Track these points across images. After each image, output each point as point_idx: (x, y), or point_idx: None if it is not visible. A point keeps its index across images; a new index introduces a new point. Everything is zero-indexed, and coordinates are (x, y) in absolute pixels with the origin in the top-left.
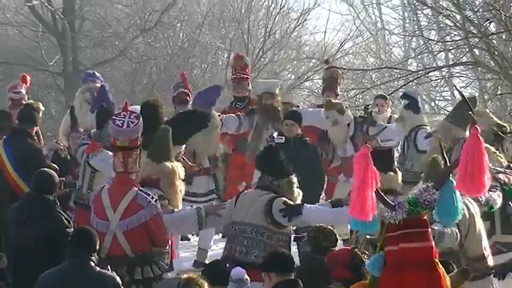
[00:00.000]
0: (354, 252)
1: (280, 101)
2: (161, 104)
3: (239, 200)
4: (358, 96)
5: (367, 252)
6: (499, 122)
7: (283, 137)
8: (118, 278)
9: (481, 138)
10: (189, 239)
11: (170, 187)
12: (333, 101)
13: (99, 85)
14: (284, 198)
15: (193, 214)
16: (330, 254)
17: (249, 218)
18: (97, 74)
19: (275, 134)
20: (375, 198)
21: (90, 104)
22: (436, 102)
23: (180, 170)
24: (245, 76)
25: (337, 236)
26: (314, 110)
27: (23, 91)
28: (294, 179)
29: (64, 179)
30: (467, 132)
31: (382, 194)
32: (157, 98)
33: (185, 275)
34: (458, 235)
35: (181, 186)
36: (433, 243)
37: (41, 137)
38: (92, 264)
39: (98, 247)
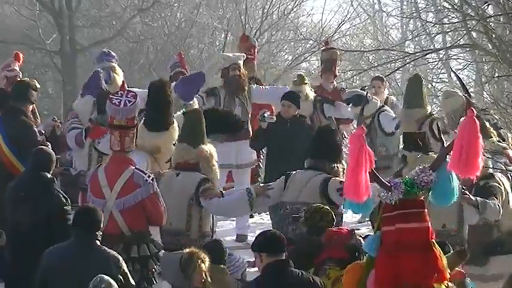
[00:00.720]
0: (353, 233)
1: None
2: (169, 83)
3: (290, 180)
4: (355, 77)
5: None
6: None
7: (274, 117)
8: (121, 258)
9: (476, 120)
10: None
11: (210, 170)
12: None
13: (114, 64)
14: (339, 178)
15: (244, 196)
16: (329, 231)
17: (303, 197)
18: (112, 53)
19: (266, 114)
20: (370, 179)
21: (106, 82)
22: (433, 84)
23: (214, 152)
24: (250, 57)
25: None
26: (271, 87)
27: (17, 68)
28: (345, 164)
29: (60, 156)
30: (428, 108)
31: (378, 175)
32: (164, 78)
33: (187, 250)
34: (501, 209)
35: (217, 169)
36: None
37: (38, 115)
38: (97, 243)
39: (101, 225)
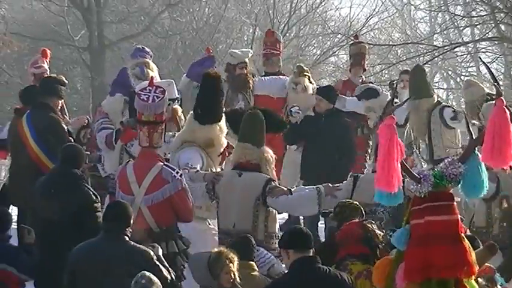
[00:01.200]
0: (364, 225)
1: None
2: (221, 76)
3: (360, 181)
4: (383, 71)
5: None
6: (489, 91)
7: (300, 111)
8: (151, 252)
9: (506, 110)
10: None
11: (270, 172)
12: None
13: (148, 60)
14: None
15: (314, 194)
16: (341, 231)
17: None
18: (147, 49)
19: (294, 108)
20: (401, 170)
21: (139, 79)
22: (462, 77)
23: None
24: (275, 52)
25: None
26: (272, 78)
27: (45, 65)
28: None
29: (89, 153)
30: (435, 96)
31: (408, 166)
32: (215, 71)
33: (215, 249)
34: None
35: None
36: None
37: (66, 111)
38: (126, 238)
39: (132, 221)
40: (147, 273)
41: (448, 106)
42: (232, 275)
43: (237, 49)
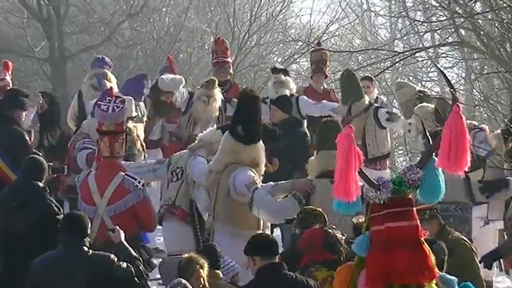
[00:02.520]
0: (325, 231)
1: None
2: (258, 95)
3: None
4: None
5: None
6: (420, 89)
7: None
8: (113, 256)
9: (462, 116)
10: None
11: None
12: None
13: (107, 71)
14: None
15: None
16: (303, 239)
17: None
18: (106, 59)
19: None
20: (359, 178)
21: (96, 89)
22: (423, 83)
23: None
24: (227, 59)
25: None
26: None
27: (7, 78)
28: None
29: (52, 163)
30: (367, 98)
31: (366, 174)
32: (250, 89)
33: (185, 255)
34: None
35: None
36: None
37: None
38: (85, 249)
39: (89, 231)
40: (183, 281)
41: (382, 107)
42: (202, 281)
43: (199, 57)
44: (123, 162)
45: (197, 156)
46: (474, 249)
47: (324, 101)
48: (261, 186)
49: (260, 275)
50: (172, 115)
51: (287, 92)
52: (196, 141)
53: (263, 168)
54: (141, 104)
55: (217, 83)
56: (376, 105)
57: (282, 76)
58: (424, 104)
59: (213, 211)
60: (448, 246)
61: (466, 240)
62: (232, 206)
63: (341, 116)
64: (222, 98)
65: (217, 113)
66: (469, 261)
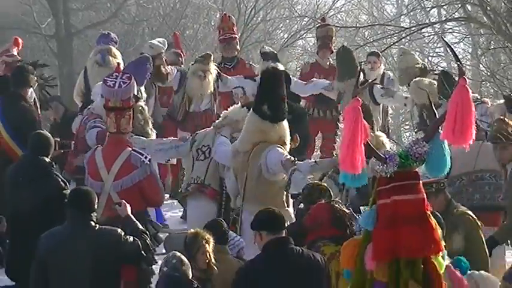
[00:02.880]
0: (332, 207)
1: None
2: (282, 72)
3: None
4: None
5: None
6: (424, 63)
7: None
8: (120, 230)
9: (468, 89)
10: None
11: None
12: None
13: (112, 47)
14: None
15: None
16: (309, 216)
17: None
18: (112, 35)
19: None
20: (365, 151)
21: (100, 65)
22: (430, 58)
23: None
24: (234, 35)
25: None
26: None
27: (16, 54)
28: None
29: (59, 139)
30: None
31: (373, 147)
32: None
33: (192, 230)
34: None
35: None
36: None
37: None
38: (92, 224)
39: (96, 206)
40: (178, 254)
41: (376, 83)
42: (208, 256)
43: (205, 34)
44: (144, 138)
45: (220, 135)
46: (479, 224)
47: (314, 79)
48: (298, 164)
49: (267, 250)
50: (166, 98)
51: None
52: (220, 119)
53: (289, 146)
54: (142, 88)
55: (212, 57)
56: (370, 81)
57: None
58: (421, 78)
59: (243, 191)
60: (453, 220)
61: (471, 214)
62: (263, 185)
63: (336, 91)
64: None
65: (212, 89)
66: (474, 235)
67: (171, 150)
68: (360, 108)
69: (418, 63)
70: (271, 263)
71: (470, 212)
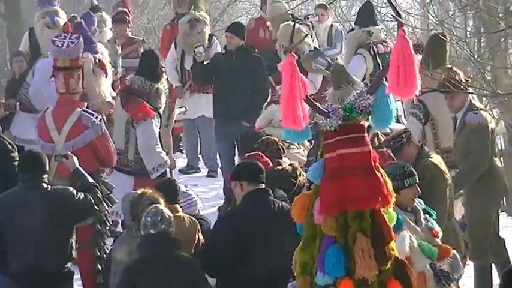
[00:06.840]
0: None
1: None
2: None
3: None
4: (299, 6)
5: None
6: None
7: (204, 52)
8: (71, 188)
9: (408, 39)
10: None
11: None
12: None
13: (57, 8)
14: None
15: None
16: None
17: None
18: None
19: (198, 49)
20: (306, 105)
21: (51, 28)
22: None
23: None
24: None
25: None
26: None
27: None
28: None
29: (4, 101)
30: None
31: (314, 101)
32: None
33: (139, 191)
34: None
35: None
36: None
37: None
38: (44, 185)
39: (47, 168)
40: (159, 206)
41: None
42: None
43: None
44: None
45: None
46: (446, 176)
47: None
48: None
49: (247, 200)
50: (130, 51)
51: None
52: None
53: None
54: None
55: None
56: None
57: None
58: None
59: None
60: (421, 169)
61: (438, 165)
62: None
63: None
64: None
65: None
66: (433, 186)
67: None
68: (296, 63)
69: (283, 12)
70: (251, 213)
71: (438, 161)
